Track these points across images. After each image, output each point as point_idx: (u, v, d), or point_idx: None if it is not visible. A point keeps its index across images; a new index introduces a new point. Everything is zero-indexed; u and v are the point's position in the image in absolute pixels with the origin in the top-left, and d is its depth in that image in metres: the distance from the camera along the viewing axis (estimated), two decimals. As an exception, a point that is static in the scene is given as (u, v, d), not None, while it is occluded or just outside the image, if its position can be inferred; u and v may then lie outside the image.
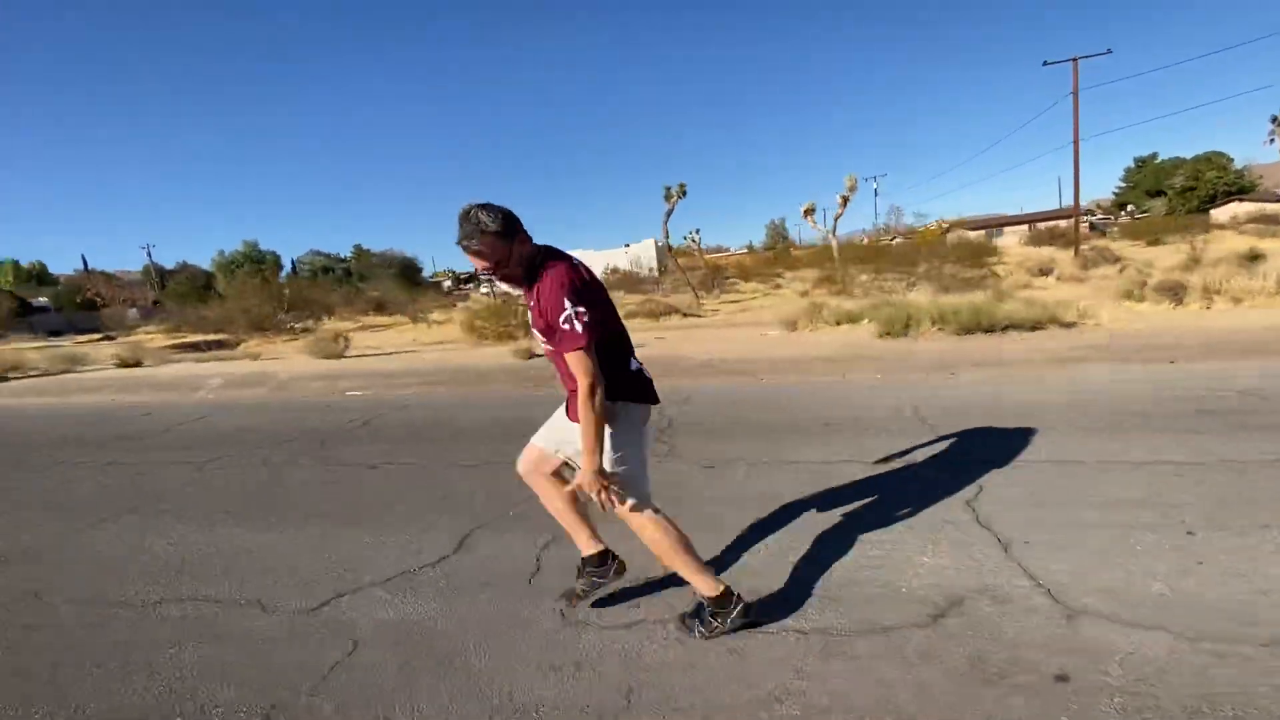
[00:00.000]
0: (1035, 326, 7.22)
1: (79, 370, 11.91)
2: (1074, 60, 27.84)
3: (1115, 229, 47.33)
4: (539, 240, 2.06)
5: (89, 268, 62.31)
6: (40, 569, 3.09)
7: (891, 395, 5.18)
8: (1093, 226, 49.78)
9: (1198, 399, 4.35)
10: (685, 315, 15.87)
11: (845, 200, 20.11)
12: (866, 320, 9.60)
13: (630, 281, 27.15)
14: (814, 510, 3.07)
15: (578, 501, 2.30)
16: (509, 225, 1.95)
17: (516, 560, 2.80)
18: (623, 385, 2.06)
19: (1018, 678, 1.81)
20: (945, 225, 66.83)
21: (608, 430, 2.00)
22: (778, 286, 24.67)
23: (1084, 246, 25.98)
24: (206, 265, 60.13)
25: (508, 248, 1.95)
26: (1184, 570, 2.28)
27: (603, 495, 1.99)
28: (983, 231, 54.64)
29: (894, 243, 47.18)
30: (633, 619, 2.29)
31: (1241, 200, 51.54)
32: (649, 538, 2.10)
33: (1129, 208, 70.42)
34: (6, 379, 10.96)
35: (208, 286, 55.98)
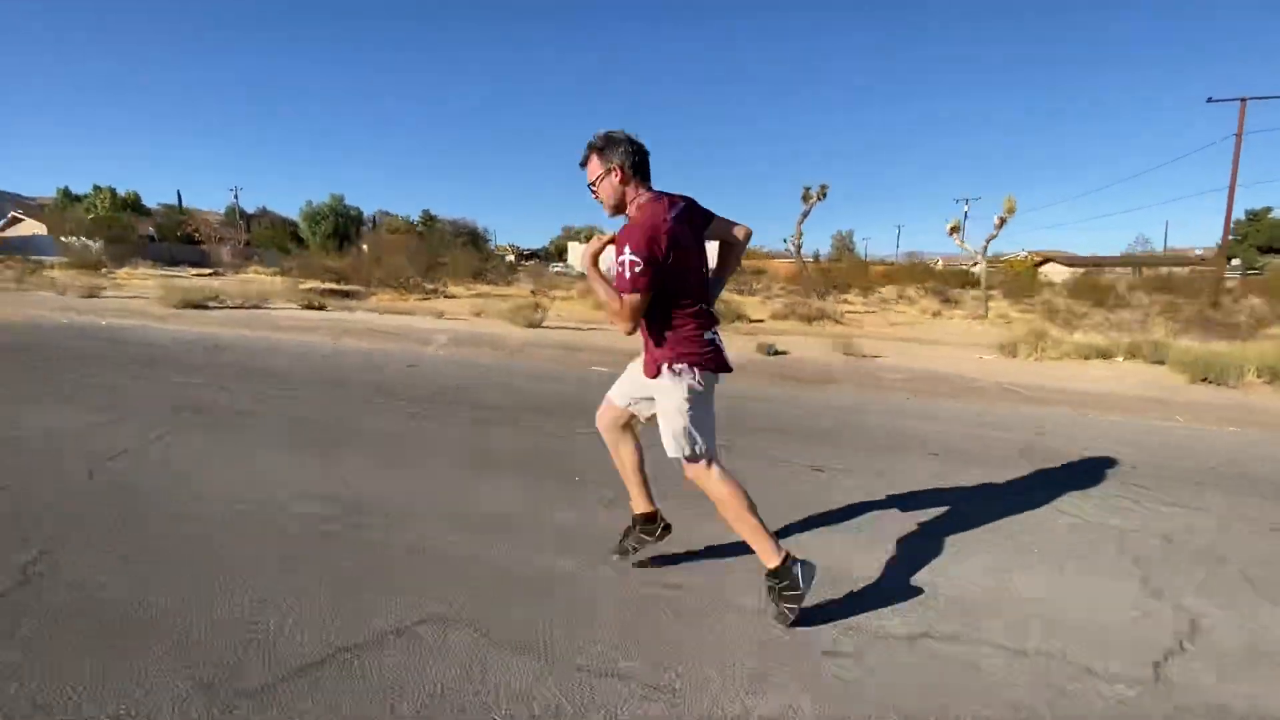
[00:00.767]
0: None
1: (266, 307, 11.97)
2: (1242, 100, 25.94)
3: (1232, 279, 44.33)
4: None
5: (182, 203, 64.98)
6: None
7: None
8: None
9: None
10: (838, 323, 15.25)
11: (1002, 221, 19.08)
12: (1122, 357, 8.79)
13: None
14: None
15: (642, 462, 2.39)
16: (608, 143, 2.04)
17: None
18: (697, 352, 2.06)
19: None
20: (1036, 258, 64.28)
21: (683, 393, 2.06)
22: (883, 301, 23.79)
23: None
24: (289, 214, 61.96)
25: (605, 169, 2.05)
26: None
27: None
28: (1079, 269, 52.07)
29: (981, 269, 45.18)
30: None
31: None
32: (717, 495, 2.11)
33: (1234, 261, 66.30)
34: (208, 307, 11.05)
35: (294, 235, 57.49)
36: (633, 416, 2.34)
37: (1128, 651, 2.04)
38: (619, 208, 2.10)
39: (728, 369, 2.15)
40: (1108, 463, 4.13)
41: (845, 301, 22.62)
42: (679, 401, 2.07)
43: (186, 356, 6.65)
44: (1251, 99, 25.94)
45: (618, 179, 2.05)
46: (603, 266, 2.09)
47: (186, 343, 7.61)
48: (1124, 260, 59.07)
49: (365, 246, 24.36)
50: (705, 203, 2.24)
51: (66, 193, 56.76)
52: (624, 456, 2.39)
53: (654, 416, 2.20)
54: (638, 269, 1.92)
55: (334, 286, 19.30)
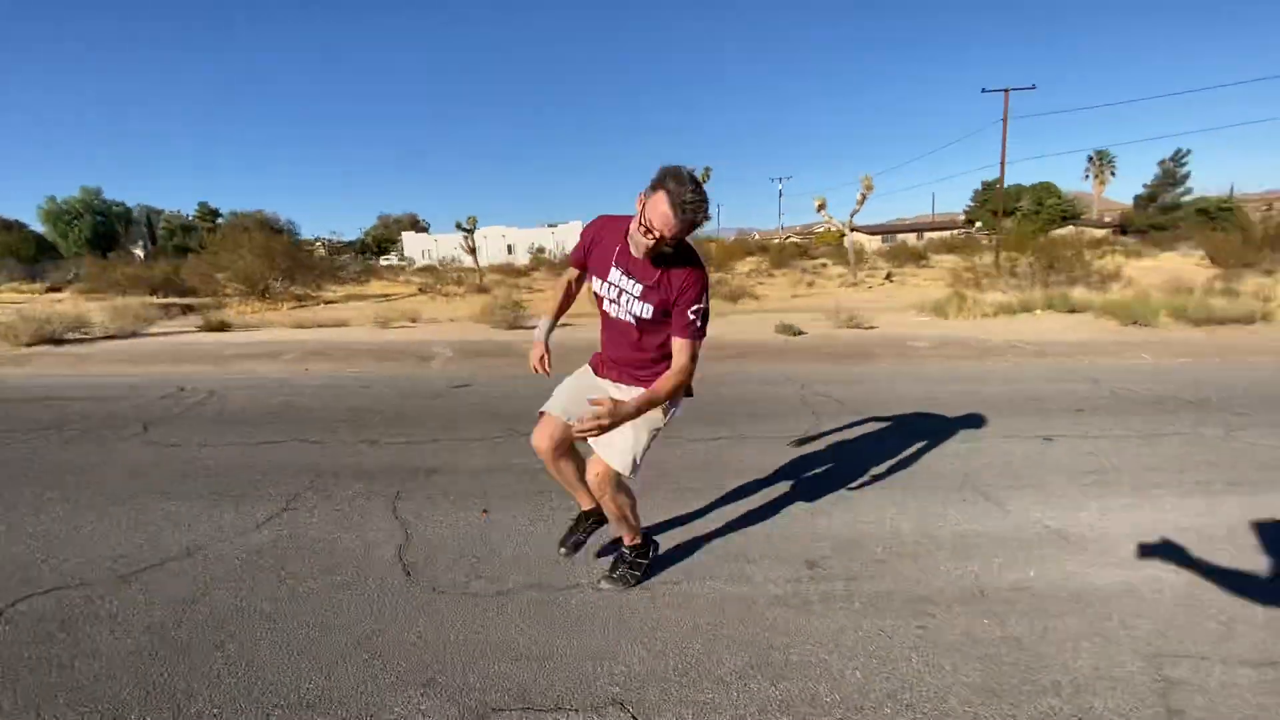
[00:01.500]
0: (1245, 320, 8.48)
1: (147, 334, 9.52)
2: (1005, 90, 31.88)
3: (989, 239, 55.10)
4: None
5: None
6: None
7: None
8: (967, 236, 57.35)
9: None
10: (755, 299, 16.20)
11: (864, 197, 21.51)
12: (1040, 310, 10.56)
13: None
14: None
15: (583, 468, 2.29)
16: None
17: None
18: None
19: None
20: (842, 228, 73.62)
21: (662, 413, 2.10)
22: (750, 275, 25.81)
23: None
24: (19, 214, 50.09)
25: None
26: None
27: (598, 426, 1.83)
28: (878, 237, 60.51)
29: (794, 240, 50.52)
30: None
31: (1072, 224, 61.93)
32: (618, 499, 2.16)
33: (977, 224, 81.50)
34: (66, 341, 8.49)
35: (39, 241, 46.27)
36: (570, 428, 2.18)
37: None
38: (664, 258, 2.00)
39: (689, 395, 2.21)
40: (1185, 397, 5.06)
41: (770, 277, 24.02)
42: (657, 423, 2.11)
43: (193, 409, 5.13)
44: (1014, 89, 31.91)
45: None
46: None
47: (149, 390, 5.85)
48: (905, 227, 69.81)
49: (203, 248, 20.24)
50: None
51: None
52: (566, 470, 2.31)
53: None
54: (706, 319, 2.05)
55: (170, 301, 15.90)
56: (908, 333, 8.91)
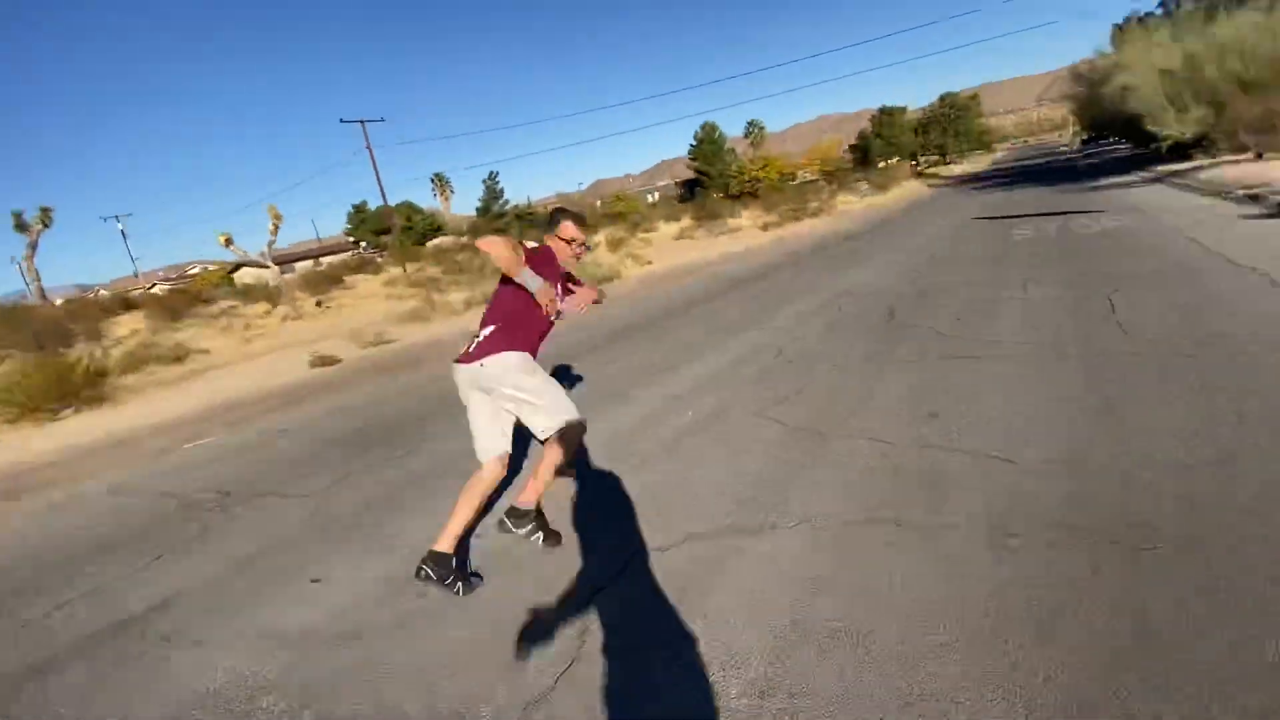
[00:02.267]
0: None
1: None
2: (362, 122, 35.11)
3: (380, 256, 59.93)
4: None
5: None
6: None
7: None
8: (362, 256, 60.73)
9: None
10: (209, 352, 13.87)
11: (276, 228, 20.66)
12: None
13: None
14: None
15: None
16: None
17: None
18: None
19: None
20: (259, 261, 64.82)
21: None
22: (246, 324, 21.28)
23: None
24: None
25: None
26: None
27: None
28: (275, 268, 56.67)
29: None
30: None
31: (442, 235, 73.75)
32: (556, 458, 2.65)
33: (364, 244, 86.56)
34: None
35: None
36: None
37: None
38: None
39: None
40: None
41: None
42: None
43: None
44: (369, 121, 35.34)
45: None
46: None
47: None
48: (300, 255, 67.70)
49: None
50: None
51: None
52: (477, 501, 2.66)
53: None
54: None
55: None
56: (427, 338, 10.14)
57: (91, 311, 26.89)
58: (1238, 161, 15.17)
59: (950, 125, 64.68)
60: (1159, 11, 31.85)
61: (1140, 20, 31.37)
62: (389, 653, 2.22)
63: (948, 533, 2.34)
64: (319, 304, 24.21)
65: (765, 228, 23.74)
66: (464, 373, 2.64)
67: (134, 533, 3.83)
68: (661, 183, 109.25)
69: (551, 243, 2.83)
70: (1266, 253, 5.99)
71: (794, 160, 60.66)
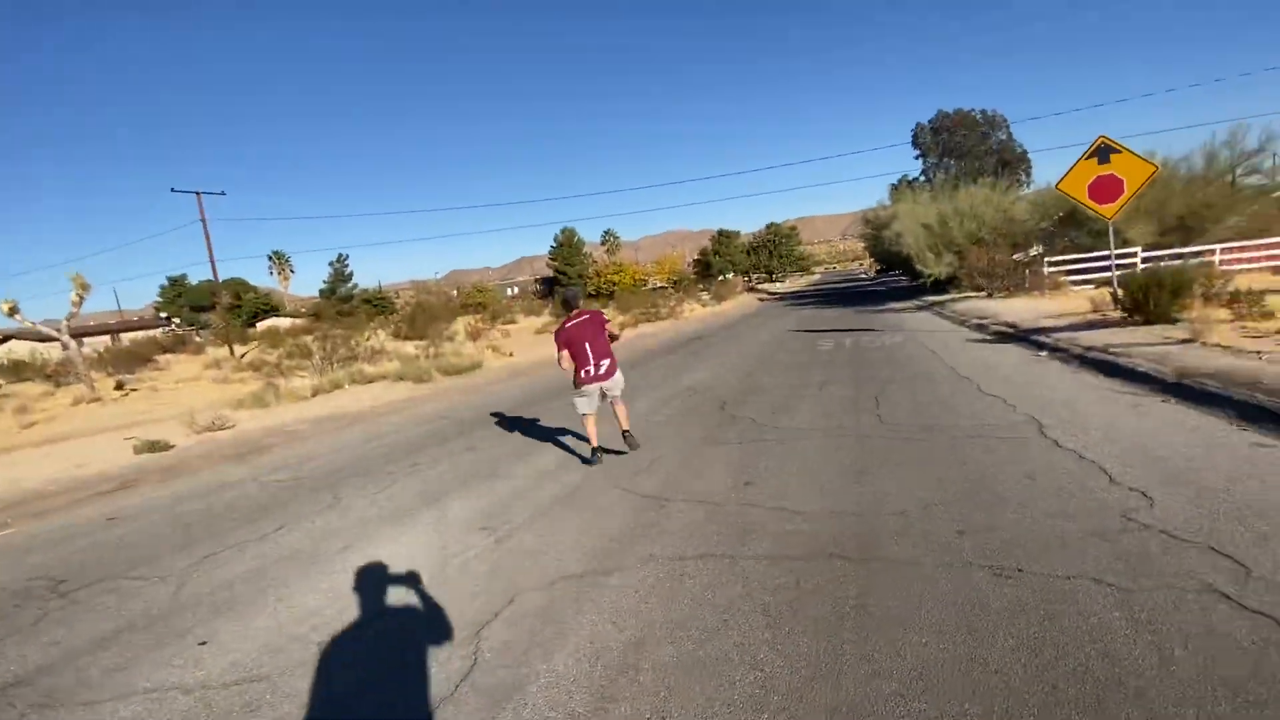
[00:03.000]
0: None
1: None
2: (198, 193, 32.71)
3: (199, 334, 53.65)
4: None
5: None
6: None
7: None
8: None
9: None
10: None
11: (81, 298, 18.34)
12: (347, 385, 13.17)
13: None
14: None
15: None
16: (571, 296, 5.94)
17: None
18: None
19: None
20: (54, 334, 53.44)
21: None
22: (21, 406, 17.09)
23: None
24: None
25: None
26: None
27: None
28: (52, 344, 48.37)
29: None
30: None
31: (275, 315, 68.01)
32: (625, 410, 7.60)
33: (176, 321, 76.90)
34: None
35: None
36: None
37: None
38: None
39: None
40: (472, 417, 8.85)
41: None
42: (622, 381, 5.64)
43: None
44: (205, 193, 33.00)
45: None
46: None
47: None
48: (94, 329, 58.29)
49: None
50: None
51: None
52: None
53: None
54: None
55: None
56: (274, 423, 9.69)
57: None
58: (976, 297, 19.73)
59: (775, 249, 74.90)
60: (922, 178, 41.01)
61: (909, 183, 40.17)
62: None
63: (749, 561, 3.22)
64: (120, 386, 21.25)
65: (620, 328, 25.61)
66: (599, 384, 5.39)
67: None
68: (520, 278, 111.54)
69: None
70: (980, 367, 8.22)
71: (645, 268, 65.87)
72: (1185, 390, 5.68)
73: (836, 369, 9.34)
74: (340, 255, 68.93)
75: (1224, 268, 14.47)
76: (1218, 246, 18.62)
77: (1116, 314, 10.63)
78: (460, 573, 3.49)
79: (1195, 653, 2.16)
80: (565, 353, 5.33)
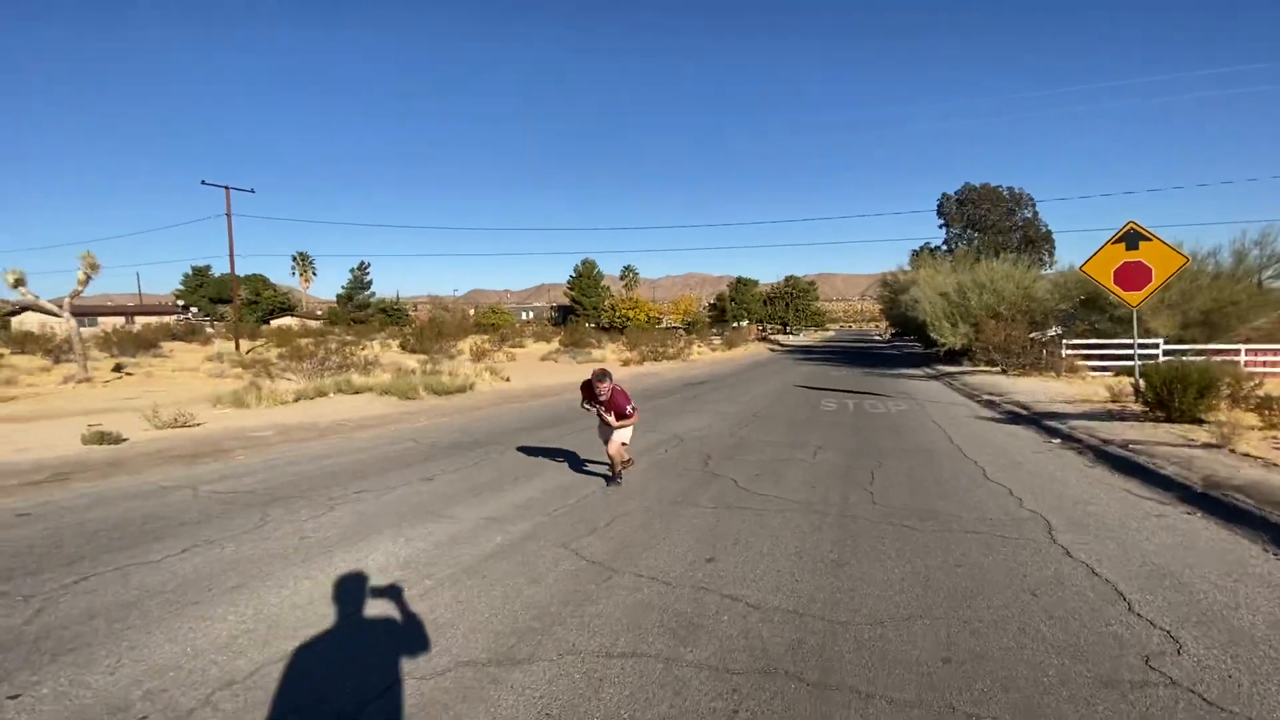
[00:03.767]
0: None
1: None
2: (227, 188, 33.20)
3: (212, 326, 53.98)
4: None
5: None
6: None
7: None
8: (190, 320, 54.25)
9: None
10: None
11: (88, 277, 18.28)
12: (332, 394, 12.77)
13: None
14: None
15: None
16: (605, 374, 5.94)
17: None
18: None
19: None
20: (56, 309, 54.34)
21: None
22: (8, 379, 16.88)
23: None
24: None
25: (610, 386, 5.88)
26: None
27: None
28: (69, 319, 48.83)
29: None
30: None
31: (290, 315, 68.56)
32: (621, 455, 6.01)
33: (193, 309, 77.75)
34: None
35: None
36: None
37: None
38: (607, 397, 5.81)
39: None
40: (466, 440, 8.35)
41: None
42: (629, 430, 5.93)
43: None
44: (235, 188, 33.51)
45: (608, 387, 5.76)
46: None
47: None
48: (110, 309, 58.98)
49: None
50: None
51: None
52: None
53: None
54: (629, 405, 5.84)
55: None
56: (243, 425, 9.27)
57: None
58: (989, 372, 19.13)
59: (793, 302, 74.77)
60: (944, 248, 40.85)
61: (931, 251, 40.01)
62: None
63: (686, 669, 2.67)
64: (118, 369, 21.08)
65: (625, 363, 25.14)
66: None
67: None
68: (538, 303, 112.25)
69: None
70: (988, 448, 7.64)
71: (661, 306, 65.90)
72: (1213, 503, 5.09)
73: (835, 433, 8.79)
74: (362, 263, 69.62)
75: (1249, 369, 13.84)
76: (1243, 347, 18.02)
77: (1136, 406, 10.03)
78: (346, 641, 2.96)
79: None
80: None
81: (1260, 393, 9.56)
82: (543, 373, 20.03)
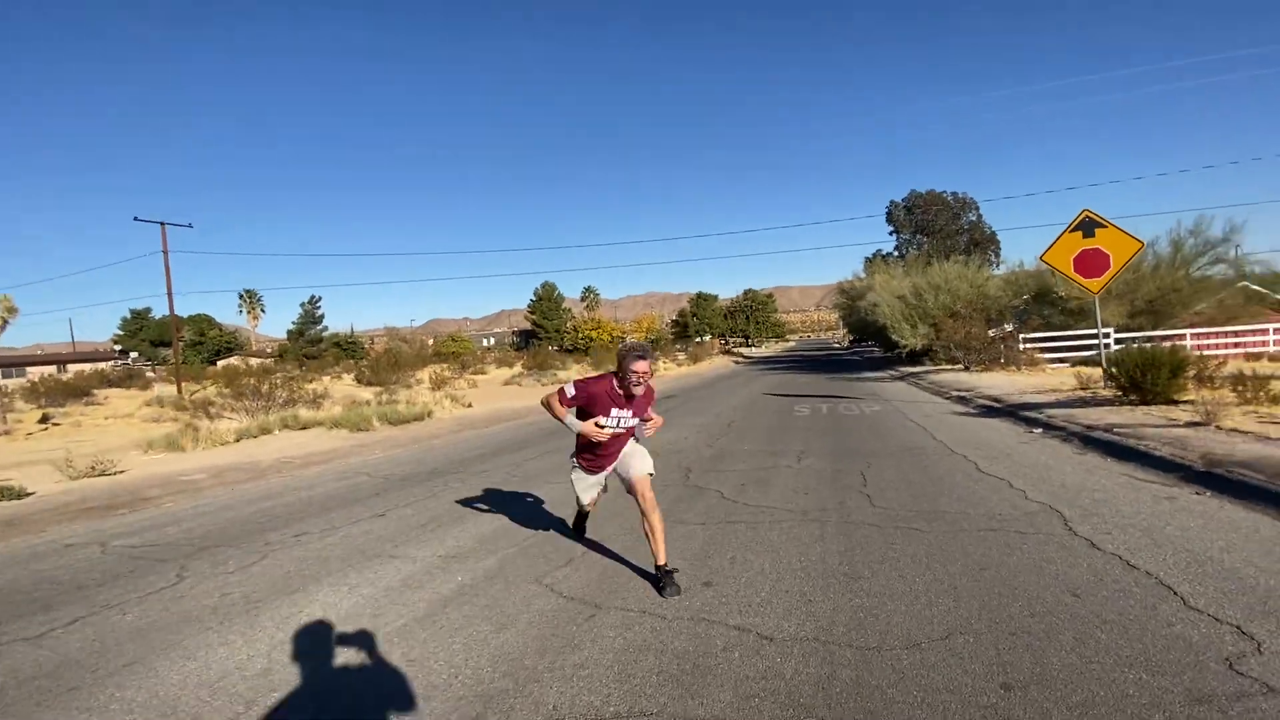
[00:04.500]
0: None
1: None
2: (162, 224, 31.51)
3: (154, 370, 50.95)
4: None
5: None
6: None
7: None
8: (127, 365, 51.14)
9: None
10: None
11: (3, 322, 16.83)
12: (278, 430, 11.83)
13: None
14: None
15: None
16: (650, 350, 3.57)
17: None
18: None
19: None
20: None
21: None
22: None
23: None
24: None
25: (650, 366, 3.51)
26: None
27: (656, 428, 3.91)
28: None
29: None
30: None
31: (238, 354, 65.56)
32: (656, 515, 3.54)
33: (134, 354, 73.66)
34: None
35: None
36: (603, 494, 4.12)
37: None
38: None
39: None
40: (423, 470, 7.66)
41: None
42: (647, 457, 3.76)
43: None
44: (171, 224, 31.82)
45: (647, 370, 3.48)
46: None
47: None
48: (42, 358, 55.28)
49: None
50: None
51: None
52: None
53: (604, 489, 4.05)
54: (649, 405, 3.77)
55: None
56: (174, 470, 8.35)
57: None
58: (952, 369, 19.26)
59: (753, 314, 75.57)
60: (895, 254, 41.79)
61: (884, 257, 40.86)
62: None
63: (700, 725, 2.15)
64: (44, 420, 19.37)
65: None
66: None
67: None
68: (498, 330, 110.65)
69: (615, 381, 3.58)
70: (972, 442, 7.38)
71: (623, 326, 65.58)
72: (1221, 481, 4.85)
73: (815, 438, 8.42)
74: (313, 297, 67.25)
75: (1195, 352, 14.23)
76: (1188, 332, 18.63)
77: (1107, 392, 10.02)
78: (271, 722, 2.34)
79: None
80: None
81: (1224, 372, 9.66)
82: (506, 397, 19.29)
